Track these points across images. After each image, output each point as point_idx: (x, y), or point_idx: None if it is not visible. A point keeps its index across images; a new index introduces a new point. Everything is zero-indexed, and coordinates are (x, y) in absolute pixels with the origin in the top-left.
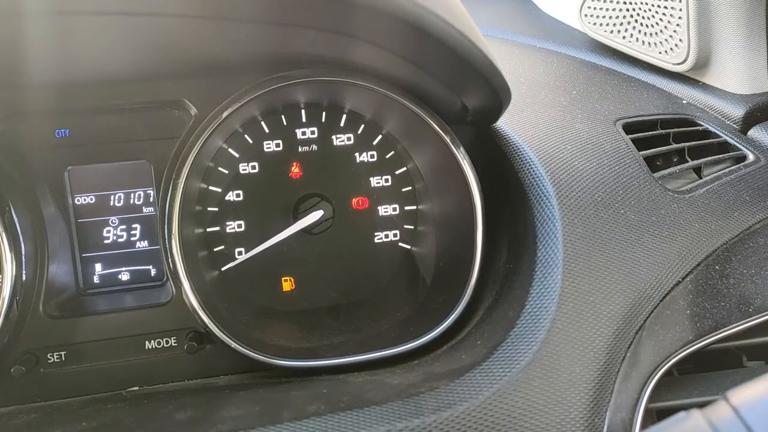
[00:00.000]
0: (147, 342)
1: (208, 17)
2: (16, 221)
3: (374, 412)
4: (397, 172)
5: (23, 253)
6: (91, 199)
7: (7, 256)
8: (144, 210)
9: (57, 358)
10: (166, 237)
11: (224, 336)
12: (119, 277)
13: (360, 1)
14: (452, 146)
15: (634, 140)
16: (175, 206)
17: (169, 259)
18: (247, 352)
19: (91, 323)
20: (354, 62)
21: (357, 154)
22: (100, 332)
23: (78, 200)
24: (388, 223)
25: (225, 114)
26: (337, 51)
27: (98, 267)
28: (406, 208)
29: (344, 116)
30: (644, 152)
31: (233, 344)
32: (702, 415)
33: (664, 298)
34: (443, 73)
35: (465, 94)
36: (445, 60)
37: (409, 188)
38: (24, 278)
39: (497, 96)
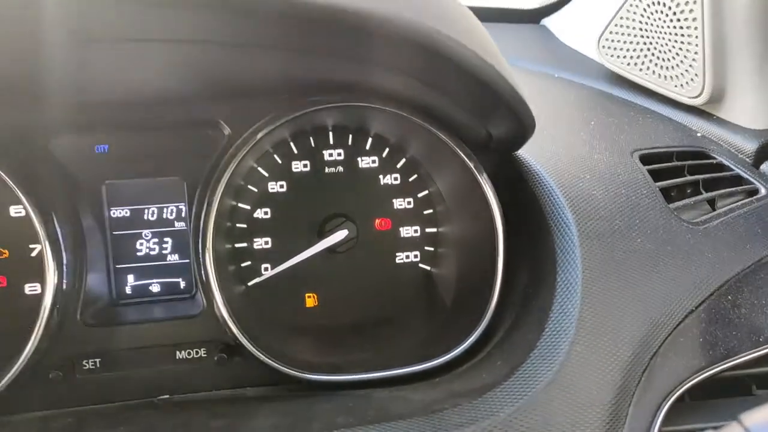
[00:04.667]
0: (178, 352)
1: (238, 45)
2: (59, 232)
3: (400, 425)
4: (419, 195)
5: (64, 262)
6: (126, 213)
7: (50, 265)
8: (176, 225)
9: (92, 365)
10: (200, 251)
11: (253, 349)
12: (150, 288)
13: (394, 34)
14: (476, 172)
15: (650, 171)
16: (210, 222)
17: (202, 272)
18: (275, 365)
19: (125, 332)
20: (382, 88)
21: (381, 177)
22: (133, 341)
23: (114, 213)
24: (409, 244)
25: (259, 135)
26: (367, 78)
27: (131, 278)
28: (427, 230)
29: (370, 140)
30: (660, 183)
31: (262, 357)
32: None
33: (678, 325)
34: (471, 102)
35: (491, 123)
36: (473, 90)
37: (431, 211)
38: (64, 287)
39: (522, 125)
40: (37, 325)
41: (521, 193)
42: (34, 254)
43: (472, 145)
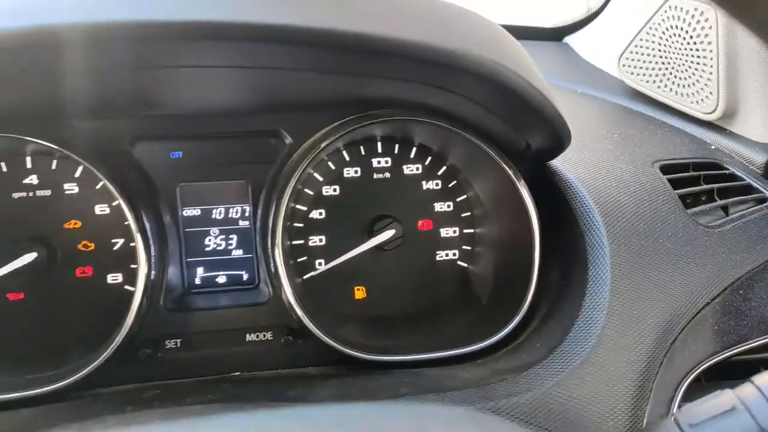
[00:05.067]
0: (247, 335)
1: (306, 71)
2: (147, 227)
3: (455, 395)
4: (458, 199)
5: (152, 254)
6: (197, 212)
7: (142, 257)
8: (240, 223)
9: (173, 345)
10: (270, 247)
11: (317, 331)
12: (217, 279)
13: (451, 63)
14: (515, 179)
15: (669, 180)
16: (279, 222)
17: (271, 265)
18: (336, 345)
19: (200, 317)
20: (428, 104)
21: (424, 182)
22: (208, 325)
23: (186, 212)
24: (448, 243)
25: (323, 145)
26: (416, 96)
27: (200, 270)
28: (465, 230)
29: (414, 149)
30: (679, 191)
31: (324, 338)
32: (732, 392)
33: (695, 315)
34: (515, 118)
35: (531, 136)
36: (519, 109)
37: (468, 213)
38: (152, 277)
39: (560, 138)
40: (130, 309)
41: (554, 198)
42: (116, 248)
43: (511, 154)
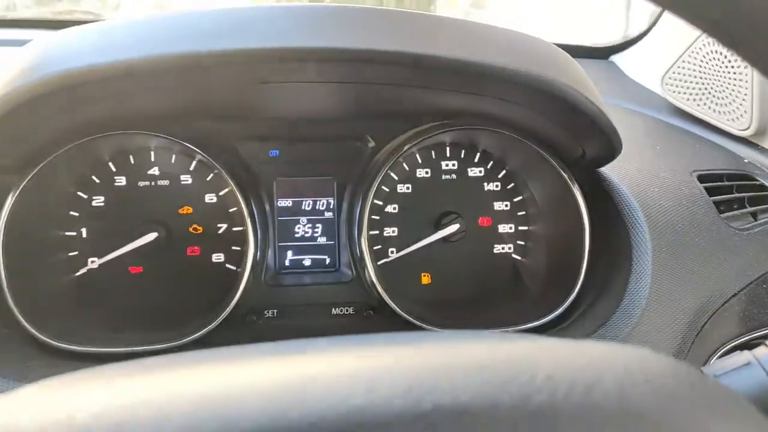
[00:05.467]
0: (333, 309)
1: (396, 85)
2: (255, 213)
3: None
4: (515, 200)
5: (259, 238)
6: (289, 203)
7: (251, 239)
8: (325, 214)
9: (271, 314)
10: (356, 235)
11: (395, 306)
12: (303, 262)
13: (528, 83)
14: (570, 182)
15: (705, 188)
16: (365, 214)
17: (356, 251)
18: (410, 318)
19: (293, 292)
20: (494, 114)
21: (485, 184)
22: (299, 299)
23: (280, 203)
24: (504, 238)
25: (404, 149)
26: (484, 107)
27: (289, 254)
28: (520, 227)
29: (478, 154)
30: (713, 198)
31: (400, 312)
32: (750, 353)
33: (724, 303)
34: (574, 128)
35: (588, 145)
36: (578, 120)
37: (524, 212)
38: (257, 257)
39: (612, 147)
40: (240, 283)
41: (602, 200)
42: (220, 232)
43: (567, 161)
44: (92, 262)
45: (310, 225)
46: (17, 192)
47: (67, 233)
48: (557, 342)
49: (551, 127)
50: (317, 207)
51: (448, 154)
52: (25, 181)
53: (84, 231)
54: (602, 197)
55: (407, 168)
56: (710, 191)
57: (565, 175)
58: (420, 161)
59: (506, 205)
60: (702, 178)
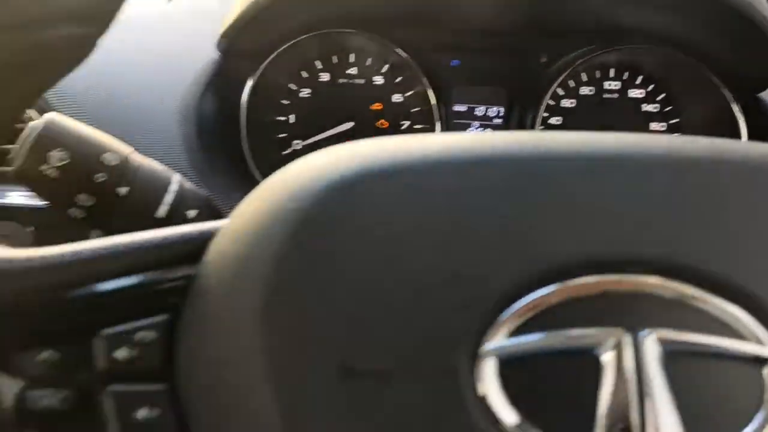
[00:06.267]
0: None
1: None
2: (440, 113)
3: None
4: (671, 122)
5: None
6: (464, 108)
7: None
8: (494, 121)
9: None
10: None
11: None
12: None
13: None
14: (731, 103)
15: None
16: (536, 125)
17: None
18: None
19: None
20: (664, 34)
21: (644, 105)
22: None
23: (456, 108)
24: None
25: (575, 64)
26: (659, 25)
27: None
28: None
29: (641, 77)
30: None
31: None
32: None
33: None
34: (745, 45)
35: (754, 64)
36: (749, 34)
37: (679, 134)
38: None
39: None
40: None
41: (763, 127)
42: (403, 128)
43: (729, 83)
44: (296, 143)
45: (480, 129)
46: (256, 77)
47: (279, 118)
48: None
49: (719, 46)
50: (488, 114)
51: (611, 75)
52: (262, 67)
53: (292, 117)
54: (763, 122)
55: (573, 85)
56: None
57: (727, 96)
58: (585, 80)
59: (662, 126)
60: None
